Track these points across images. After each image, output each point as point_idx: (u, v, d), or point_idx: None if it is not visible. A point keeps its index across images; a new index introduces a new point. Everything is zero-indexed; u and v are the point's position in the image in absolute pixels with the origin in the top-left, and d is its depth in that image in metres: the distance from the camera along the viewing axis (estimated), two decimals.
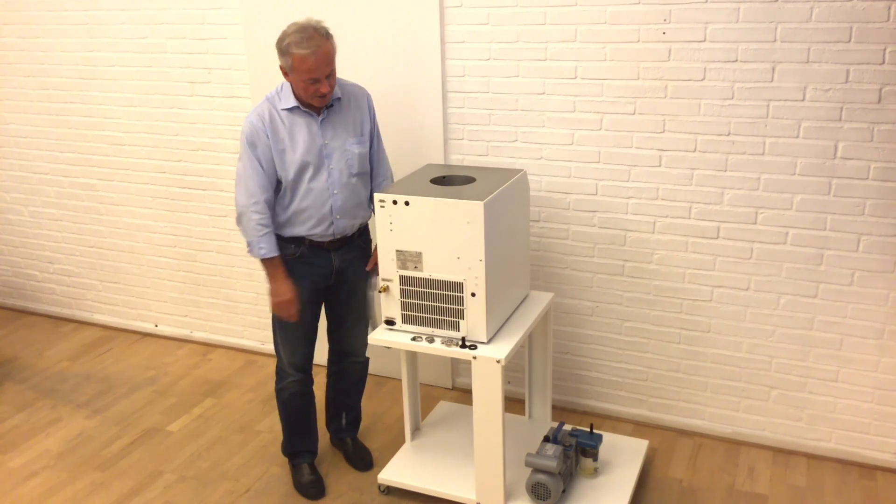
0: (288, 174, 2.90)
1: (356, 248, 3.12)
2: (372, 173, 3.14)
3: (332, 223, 2.98)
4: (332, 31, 2.82)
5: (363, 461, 3.40)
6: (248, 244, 2.93)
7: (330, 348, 3.33)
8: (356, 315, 3.21)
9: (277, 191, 2.94)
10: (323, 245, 3.02)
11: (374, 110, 3.11)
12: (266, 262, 2.94)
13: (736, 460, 3.36)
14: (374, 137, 3.11)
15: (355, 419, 3.49)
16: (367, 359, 3.39)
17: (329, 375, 3.40)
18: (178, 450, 3.58)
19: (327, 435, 3.52)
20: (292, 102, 2.87)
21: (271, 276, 2.96)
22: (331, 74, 2.81)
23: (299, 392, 3.21)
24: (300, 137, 2.89)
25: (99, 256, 4.71)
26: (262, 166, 2.87)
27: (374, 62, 3.59)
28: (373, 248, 3.14)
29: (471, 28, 3.38)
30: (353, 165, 2.99)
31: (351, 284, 3.14)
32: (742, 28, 2.98)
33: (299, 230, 2.97)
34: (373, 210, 3.13)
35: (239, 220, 2.95)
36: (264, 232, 2.90)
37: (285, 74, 2.85)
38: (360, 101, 3.04)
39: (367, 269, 3.16)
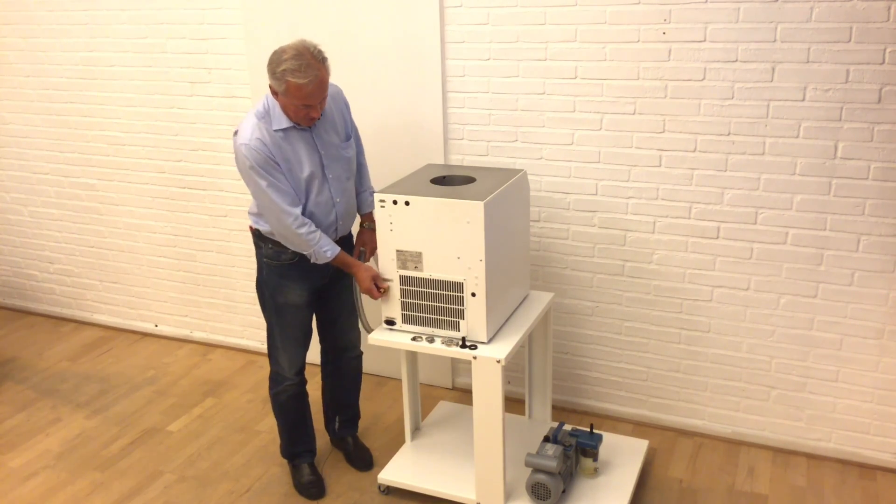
0: (300, 191, 2.87)
1: (348, 243, 3.15)
2: (358, 170, 3.15)
3: (336, 229, 3.01)
4: (327, 54, 2.75)
5: (363, 461, 3.40)
6: (310, 256, 2.90)
7: (323, 348, 3.33)
8: (349, 309, 3.23)
9: None
10: None
11: (347, 103, 3.06)
12: (335, 261, 2.93)
13: (736, 460, 3.36)
14: (353, 131, 3.09)
15: (354, 417, 3.49)
16: (362, 352, 3.39)
17: (325, 377, 3.39)
18: (178, 450, 3.58)
19: (326, 435, 3.52)
20: (286, 123, 2.80)
21: (346, 267, 2.96)
22: (323, 100, 2.77)
23: (296, 394, 3.20)
24: (303, 154, 2.85)
25: (99, 256, 4.71)
26: (284, 183, 2.81)
27: (375, 62, 3.59)
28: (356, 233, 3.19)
29: (471, 28, 3.38)
30: (348, 170, 3.01)
31: (345, 280, 3.15)
32: (742, 28, 2.98)
33: None
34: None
35: (286, 240, 2.90)
36: (317, 238, 2.86)
37: (275, 94, 2.76)
38: (336, 100, 3.00)
39: (355, 254, 3.16)
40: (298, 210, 2.83)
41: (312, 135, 2.88)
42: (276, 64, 2.68)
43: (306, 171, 2.85)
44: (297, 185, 2.85)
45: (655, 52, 3.12)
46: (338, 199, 2.96)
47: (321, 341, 3.31)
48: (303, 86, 2.65)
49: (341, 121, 3.00)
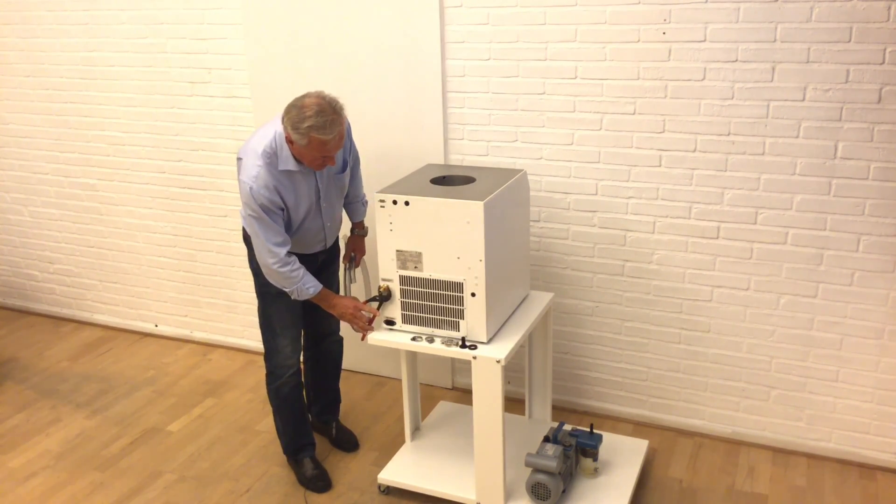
0: (295, 223, 2.97)
1: (335, 244, 3.27)
2: (351, 181, 3.21)
3: (324, 244, 3.14)
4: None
5: (349, 443, 3.49)
6: (293, 292, 2.95)
7: (304, 334, 3.38)
8: None
9: None
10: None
11: (349, 126, 3.09)
12: (316, 297, 2.99)
13: (736, 460, 3.36)
14: (350, 156, 3.14)
15: (335, 400, 3.56)
16: (342, 337, 3.47)
17: (305, 361, 3.45)
18: (178, 450, 3.58)
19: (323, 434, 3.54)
20: (293, 166, 2.85)
21: (328, 303, 3.02)
22: (339, 148, 2.84)
23: (295, 384, 3.24)
24: (302, 191, 2.93)
25: (99, 256, 4.71)
26: (279, 225, 2.88)
27: (375, 62, 3.59)
28: (345, 240, 3.32)
29: (471, 28, 3.38)
30: (341, 195, 3.14)
31: (331, 268, 3.26)
32: (742, 28, 2.98)
33: (295, 251, 3.01)
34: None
35: (269, 276, 2.95)
36: (300, 276, 2.92)
37: (290, 142, 2.79)
38: None
39: (345, 260, 3.28)
40: (284, 251, 2.88)
41: (315, 174, 2.96)
42: (300, 120, 2.70)
43: (303, 207, 2.95)
44: (295, 218, 2.95)
45: (655, 52, 3.12)
46: (328, 223, 3.08)
47: (303, 327, 3.34)
48: (327, 141, 2.73)
49: (341, 151, 3.04)
